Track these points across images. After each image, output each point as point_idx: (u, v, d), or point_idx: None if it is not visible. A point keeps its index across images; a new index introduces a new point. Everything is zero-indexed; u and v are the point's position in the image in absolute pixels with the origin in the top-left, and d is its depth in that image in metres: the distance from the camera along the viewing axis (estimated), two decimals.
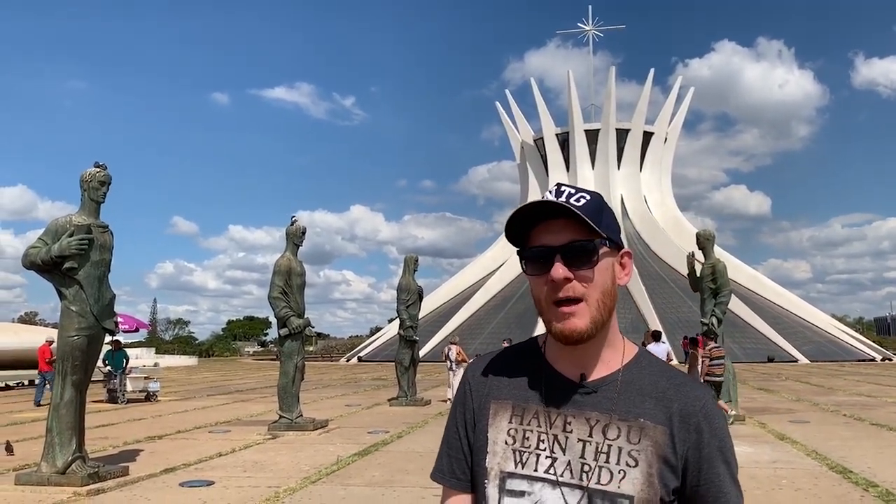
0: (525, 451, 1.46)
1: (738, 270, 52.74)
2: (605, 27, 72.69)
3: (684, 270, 62.19)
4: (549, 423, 1.46)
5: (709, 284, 14.68)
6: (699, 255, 15.20)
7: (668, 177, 70.25)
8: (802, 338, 54.06)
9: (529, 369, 1.53)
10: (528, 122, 71.57)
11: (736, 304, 38.39)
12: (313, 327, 14.28)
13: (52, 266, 8.81)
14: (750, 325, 51.78)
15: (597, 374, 1.48)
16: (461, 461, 1.54)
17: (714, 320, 14.47)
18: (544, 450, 1.44)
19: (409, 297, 18.59)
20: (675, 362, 16.63)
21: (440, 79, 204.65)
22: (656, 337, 18.43)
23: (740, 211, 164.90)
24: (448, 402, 18.96)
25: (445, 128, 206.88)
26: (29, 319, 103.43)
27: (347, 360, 60.99)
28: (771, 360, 47.57)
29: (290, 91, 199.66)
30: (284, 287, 13.42)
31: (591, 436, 1.43)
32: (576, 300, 1.39)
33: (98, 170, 9.29)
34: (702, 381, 13.89)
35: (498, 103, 73.42)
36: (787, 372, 34.12)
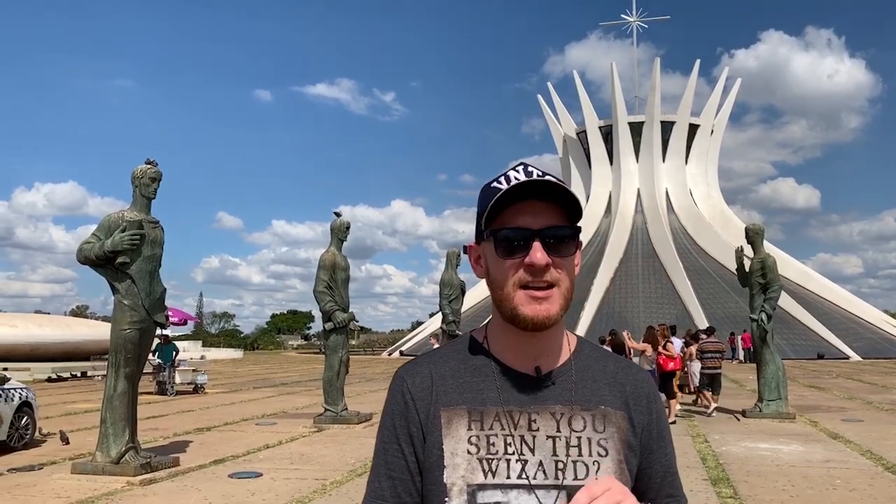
0: (493, 459, 1.33)
1: (786, 265, 51.65)
2: (649, 18, 71.62)
3: (731, 265, 61.11)
4: (513, 423, 1.35)
5: (758, 280, 14.39)
6: (748, 250, 14.90)
7: (714, 169, 68.94)
8: (854, 334, 52.63)
9: (476, 368, 1.41)
10: (570, 114, 71.01)
11: (784, 300, 37.48)
12: (357, 321, 14.40)
13: (105, 261, 9.03)
14: (799, 321, 50.61)
15: (551, 364, 1.40)
16: (406, 482, 1.37)
17: (763, 316, 14.19)
18: (513, 453, 1.33)
19: (452, 291, 18.59)
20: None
21: (480, 73, 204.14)
22: (673, 332, 17.97)
23: (788, 204, 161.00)
24: None
25: (485, 122, 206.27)
26: (80, 313, 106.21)
27: (389, 354, 61.35)
28: (821, 356, 46.46)
29: (331, 87, 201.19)
30: (329, 281, 13.55)
31: (558, 430, 1.35)
32: (549, 285, 1.33)
33: (149, 166, 9.49)
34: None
35: (539, 96, 72.94)
36: (838, 369, 33.30)
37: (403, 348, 61.50)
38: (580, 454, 1.35)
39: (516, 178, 1.35)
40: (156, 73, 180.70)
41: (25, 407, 11.44)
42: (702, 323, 45.22)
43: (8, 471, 9.42)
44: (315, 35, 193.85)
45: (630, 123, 65.50)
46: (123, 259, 8.99)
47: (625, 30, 73.27)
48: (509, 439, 1.35)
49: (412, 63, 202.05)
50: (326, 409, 13.55)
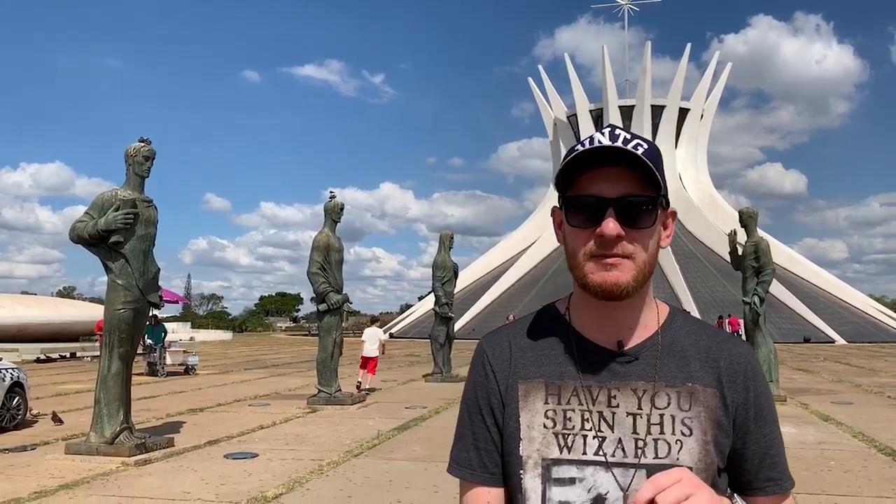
0: (569, 434, 1.30)
1: (774, 250, 51.69)
2: (640, 1, 71.49)
3: (719, 249, 61.80)
4: (592, 398, 1.31)
5: (751, 263, 14.42)
6: (741, 234, 14.91)
7: (703, 154, 69.18)
8: (839, 318, 53.18)
9: (556, 341, 1.37)
10: (561, 98, 70.90)
11: (772, 284, 37.70)
12: (351, 303, 14.35)
13: (98, 240, 8.91)
14: (786, 304, 51.06)
15: (635, 339, 1.34)
16: (492, 453, 1.37)
17: (756, 299, 14.23)
18: (590, 430, 1.30)
19: (445, 273, 18.57)
20: None
21: (469, 56, 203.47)
22: None
23: (775, 189, 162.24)
24: None
25: (475, 105, 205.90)
26: (67, 294, 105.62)
27: None
28: (807, 340, 46.92)
29: (319, 68, 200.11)
30: (323, 263, 13.47)
31: (640, 407, 1.30)
32: (622, 256, 1.25)
33: (143, 144, 9.35)
34: None
35: (531, 79, 72.82)
36: (825, 352, 33.62)
37: (393, 331, 61.57)
38: (662, 432, 1.30)
39: (599, 142, 1.25)
40: (143, 53, 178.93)
41: (17, 387, 11.32)
42: (689, 306, 45.54)
43: (0, 451, 9.33)
44: (304, 16, 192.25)
45: (621, 107, 65.54)
46: (117, 238, 8.87)
47: (616, 13, 73.14)
48: (586, 415, 1.31)
49: (402, 45, 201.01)
50: (320, 391, 13.51)
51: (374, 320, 18.83)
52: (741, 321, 42.44)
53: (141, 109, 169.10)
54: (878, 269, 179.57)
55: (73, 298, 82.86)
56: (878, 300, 71.03)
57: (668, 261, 55.87)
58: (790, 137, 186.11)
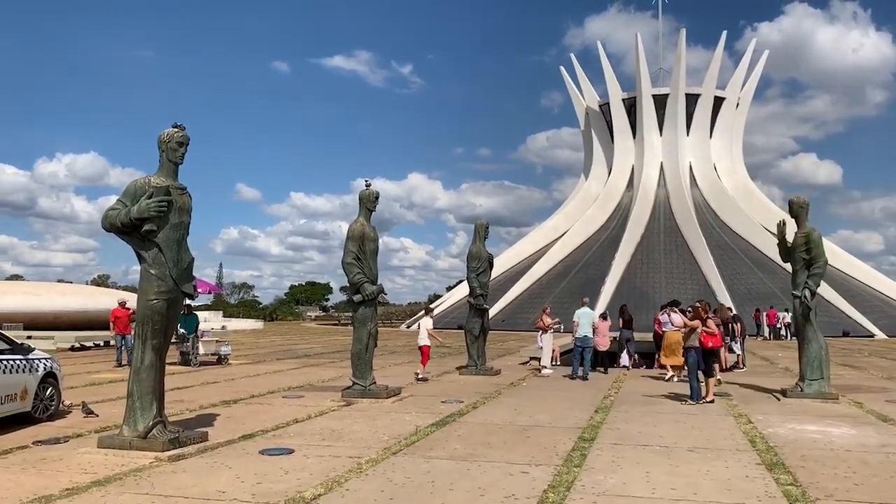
0: None
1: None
2: None
3: (755, 241, 60.28)
4: None
5: (802, 255, 13.79)
6: (791, 224, 14.27)
7: (739, 144, 67.60)
8: (879, 312, 51.74)
9: None
10: (593, 87, 69.80)
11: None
12: (386, 293, 13.99)
13: (131, 228, 8.63)
14: (823, 297, 49.60)
15: None
16: None
17: (807, 293, 13.61)
18: None
19: (480, 264, 18.14)
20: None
21: (497, 46, 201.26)
22: (675, 306, 18.25)
23: (809, 180, 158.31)
24: (546, 371, 18.46)
25: (503, 95, 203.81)
26: (102, 282, 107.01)
27: (408, 327, 61.15)
28: (846, 334, 45.68)
29: (348, 59, 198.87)
30: (358, 252, 13.12)
31: None
32: None
33: (176, 130, 9.05)
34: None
35: (562, 67, 71.63)
36: (868, 347, 32.61)
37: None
38: None
39: None
40: (175, 44, 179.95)
41: (50, 377, 11.14)
42: (724, 299, 44.55)
43: (33, 443, 9.14)
44: (332, 6, 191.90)
45: (654, 96, 64.28)
46: (150, 226, 8.58)
47: (650, 0, 71.67)
48: None
49: (429, 35, 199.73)
50: (355, 383, 13.20)
51: (428, 310, 18.48)
52: (780, 314, 41.61)
53: (172, 101, 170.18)
54: None
55: (108, 287, 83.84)
56: None
57: (702, 253, 54.81)
58: (825, 127, 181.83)
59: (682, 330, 17.02)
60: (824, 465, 8.08)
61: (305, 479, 7.29)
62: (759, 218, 59.87)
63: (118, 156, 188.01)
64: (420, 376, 16.61)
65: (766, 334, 40.76)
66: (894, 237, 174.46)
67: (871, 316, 49.62)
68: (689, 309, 13.83)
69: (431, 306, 18.03)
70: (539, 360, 19.42)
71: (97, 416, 11.15)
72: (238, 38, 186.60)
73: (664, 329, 18.10)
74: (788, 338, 40.12)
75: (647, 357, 22.14)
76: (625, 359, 20.68)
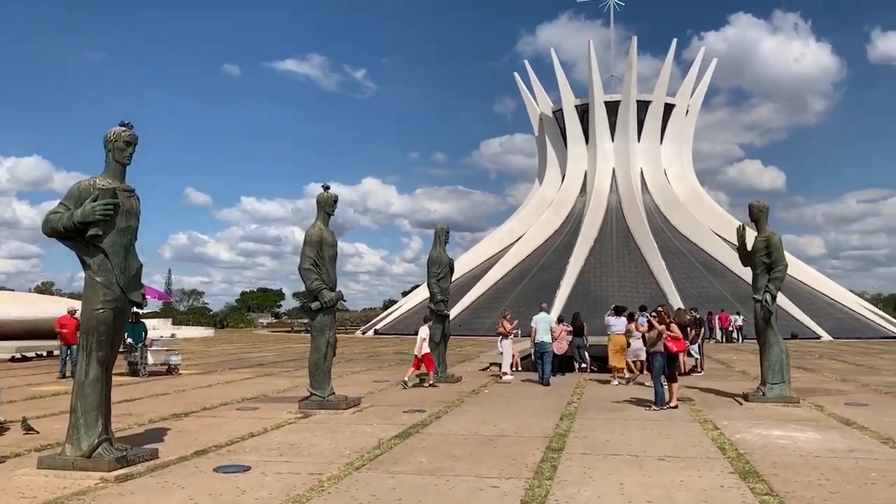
0: None
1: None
2: None
3: (705, 245, 61.30)
4: None
5: (762, 259, 13.79)
6: (750, 229, 14.29)
7: (688, 150, 68.71)
8: (825, 314, 52.97)
9: None
10: (546, 93, 70.14)
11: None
12: (345, 300, 13.55)
13: (74, 233, 8.05)
14: None
15: None
16: None
17: (768, 296, 13.62)
18: None
19: (440, 269, 17.81)
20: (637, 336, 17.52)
21: (451, 52, 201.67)
22: (618, 311, 18.68)
23: (754, 186, 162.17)
24: (507, 378, 18.19)
25: (457, 101, 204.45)
26: (45, 290, 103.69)
27: (363, 333, 60.52)
28: (794, 336, 46.58)
29: (301, 63, 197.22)
30: (316, 258, 12.65)
31: None
32: None
33: (123, 129, 8.50)
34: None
35: (516, 74, 71.95)
36: (817, 349, 33.25)
37: (378, 327, 60.72)
38: None
39: None
40: (124, 46, 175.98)
41: None
42: (676, 302, 45.04)
43: None
44: (284, 9, 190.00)
45: (606, 103, 64.96)
46: (95, 231, 8.02)
47: (601, 8, 72.51)
48: None
49: (383, 40, 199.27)
50: (312, 394, 12.71)
51: (426, 318, 18.38)
52: (731, 317, 42.27)
53: (121, 103, 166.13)
54: (855, 266, 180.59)
55: (52, 294, 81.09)
56: (858, 296, 71.07)
57: (654, 257, 55.47)
58: (769, 135, 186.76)
59: (636, 334, 17.16)
60: (797, 472, 7.93)
61: (264, 499, 6.84)
62: (708, 222, 60.95)
63: (63, 159, 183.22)
64: (430, 383, 16.88)
65: (719, 337, 41.30)
66: (835, 241, 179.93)
67: (817, 318, 50.75)
68: (654, 313, 13.70)
69: (447, 312, 17.93)
70: (499, 366, 19.17)
71: (38, 432, 10.46)
72: (188, 41, 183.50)
73: (609, 332, 18.21)
74: (740, 340, 40.74)
75: (603, 360, 22.10)
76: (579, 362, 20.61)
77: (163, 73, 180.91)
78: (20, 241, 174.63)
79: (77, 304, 27.02)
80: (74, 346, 18.67)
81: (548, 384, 17.29)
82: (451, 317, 19.39)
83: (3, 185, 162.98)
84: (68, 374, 19.05)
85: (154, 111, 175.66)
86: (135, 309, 16.09)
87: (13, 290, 61.96)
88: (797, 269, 59.89)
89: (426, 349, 17.01)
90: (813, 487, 7.27)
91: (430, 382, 16.89)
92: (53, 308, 34.33)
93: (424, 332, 17.22)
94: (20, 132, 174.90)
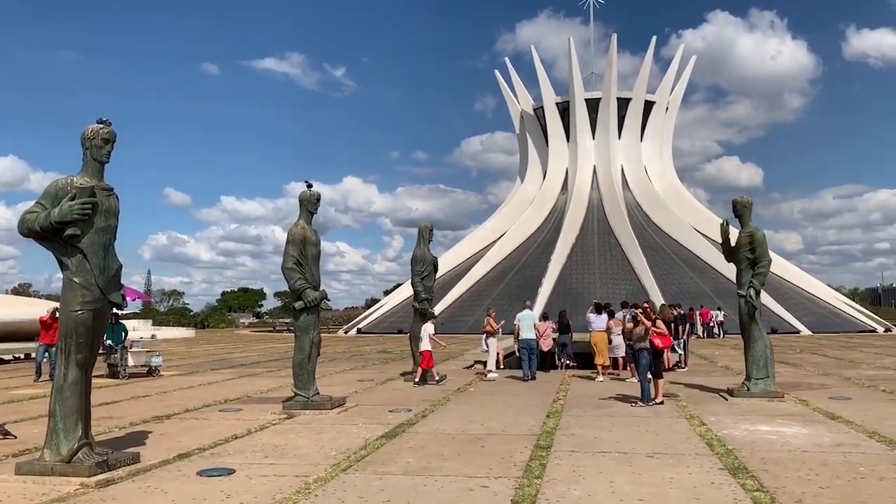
0: None
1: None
2: None
3: (686, 241, 61.57)
4: None
5: (746, 254, 13.80)
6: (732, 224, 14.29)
7: (668, 147, 69.02)
8: (804, 309, 53.45)
9: None
10: (527, 91, 70.23)
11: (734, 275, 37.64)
12: (329, 300, 13.39)
13: (51, 233, 7.84)
14: None
15: None
16: None
17: (752, 292, 13.62)
18: None
19: (424, 268, 17.68)
20: (616, 333, 18.07)
21: (431, 50, 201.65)
22: (598, 308, 18.78)
23: (732, 182, 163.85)
24: (491, 376, 18.16)
25: (437, 99, 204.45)
26: (23, 291, 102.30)
27: (346, 332, 60.22)
28: (774, 331, 46.92)
29: (280, 62, 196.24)
30: (299, 257, 12.48)
31: None
32: None
33: (101, 126, 8.29)
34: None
35: (497, 71, 71.86)
36: (798, 344, 33.52)
37: (361, 326, 60.48)
38: None
39: None
40: (100, 44, 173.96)
41: None
42: (657, 298, 45.22)
43: None
44: (263, 8, 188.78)
45: (587, 100, 65.07)
46: (73, 231, 7.81)
47: (581, 5, 72.67)
48: None
49: (363, 39, 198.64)
50: (297, 394, 12.55)
51: (432, 316, 18.41)
52: (712, 313, 42.42)
53: (97, 103, 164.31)
54: (832, 260, 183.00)
55: (29, 296, 79.95)
56: (836, 291, 71.82)
57: (635, 254, 55.68)
58: (747, 132, 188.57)
59: (616, 331, 17.23)
60: (786, 467, 7.91)
61: (249, 503, 6.69)
62: (688, 219, 61.27)
63: (39, 159, 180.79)
64: (416, 380, 16.91)
65: (700, 332, 41.50)
66: (812, 237, 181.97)
67: (795, 312, 51.20)
68: (640, 309, 13.68)
69: (432, 311, 17.97)
70: (484, 363, 19.10)
71: (15, 437, 10.23)
72: (166, 39, 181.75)
73: (590, 329, 18.26)
74: (721, 336, 40.98)
75: (586, 357, 22.12)
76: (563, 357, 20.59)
77: (140, 72, 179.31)
78: None
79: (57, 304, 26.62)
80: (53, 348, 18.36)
81: (533, 379, 17.52)
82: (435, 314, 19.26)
83: None
84: (46, 376, 18.72)
85: (132, 110, 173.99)
86: (114, 310, 15.89)
87: None
88: (776, 264, 60.28)
89: (427, 346, 17.07)
90: (803, 482, 7.24)
91: (416, 381, 16.85)
92: (31, 310, 33.83)
93: (430, 328, 17.41)
94: None
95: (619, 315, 18.18)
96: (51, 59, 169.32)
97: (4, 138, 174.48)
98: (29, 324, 31.85)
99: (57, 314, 19.79)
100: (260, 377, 19.83)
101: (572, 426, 10.78)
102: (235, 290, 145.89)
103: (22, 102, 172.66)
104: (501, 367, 20.54)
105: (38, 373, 19.15)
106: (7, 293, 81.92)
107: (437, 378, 17.08)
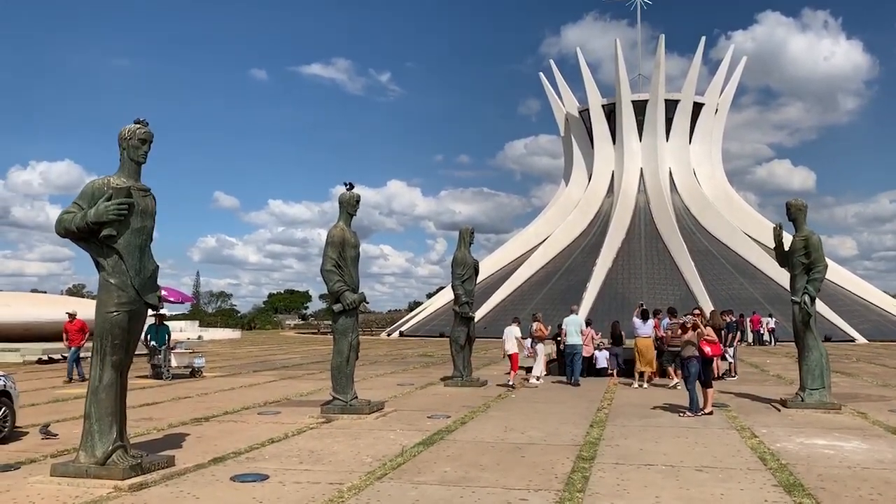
0: None
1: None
2: None
3: (735, 246, 60.31)
4: None
5: (801, 259, 13.23)
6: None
7: (718, 149, 67.54)
8: (859, 316, 51.68)
9: None
10: (572, 93, 69.48)
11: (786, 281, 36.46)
12: (368, 302, 13.23)
13: (88, 233, 7.82)
14: None
15: None
16: None
17: (807, 298, 13.04)
18: None
19: (465, 271, 17.42)
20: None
21: (475, 55, 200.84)
22: (644, 315, 17.93)
23: (783, 186, 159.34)
24: (534, 381, 17.89)
25: (481, 103, 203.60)
26: (76, 292, 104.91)
27: (388, 335, 60.27)
28: (828, 339, 45.47)
29: (326, 67, 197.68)
30: (338, 259, 12.35)
31: None
32: None
33: (138, 126, 8.25)
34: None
35: (542, 74, 71.29)
36: (854, 352, 32.33)
37: (403, 328, 60.48)
38: None
39: None
40: (151, 52, 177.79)
41: (3, 397, 10.25)
42: (706, 304, 44.20)
43: None
44: (310, 14, 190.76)
45: (633, 102, 64.09)
46: (109, 231, 7.77)
47: (628, 6, 71.72)
48: None
49: (407, 44, 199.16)
50: (335, 398, 12.41)
51: (515, 319, 18.76)
52: (763, 320, 41.29)
53: (150, 109, 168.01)
54: (889, 266, 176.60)
55: (83, 296, 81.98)
56: (893, 298, 69.39)
57: (683, 259, 54.53)
58: (798, 134, 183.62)
59: (670, 336, 16.71)
60: (845, 485, 7.44)
61: None
62: (738, 223, 59.83)
63: (94, 163, 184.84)
64: (510, 382, 17.10)
65: (751, 340, 40.40)
66: (867, 242, 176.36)
67: (851, 320, 49.52)
68: (690, 316, 13.21)
69: (520, 316, 18.14)
70: (528, 369, 18.73)
71: (57, 437, 10.28)
72: (216, 46, 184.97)
73: (636, 335, 17.78)
74: (772, 343, 39.84)
75: (631, 364, 21.60)
76: (601, 361, 20.00)
77: (190, 78, 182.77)
78: (52, 244, 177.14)
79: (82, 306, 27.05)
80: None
81: (577, 384, 17.41)
82: (476, 319, 19.05)
83: (36, 188, 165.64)
84: (75, 377, 19.16)
85: (182, 116, 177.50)
86: (160, 311, 15.97)
87: (45, 293, 62.74)
88: (830, 269, 58.51)
89: (514, 349, 17.36)
90: (865, 503, 6.78)
91: (511, 383, 17.09)
92: (82, 310, 34.53)
93: (515, 331, 17.66)
94: (52, 137, 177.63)
95: (664, 323, 17.75)
96: (104, 66, 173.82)
97: (61, 143, 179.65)
98: (52, 325, 32.46)
99: (72, 318, 20.22)
100: (301, 379, 19.81)
101: (617, 436, 10.40)
102: (282, 291, 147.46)
103: (76, 108, 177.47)
104: (545, 372, 20.13)
105: (70, 374, 19.57)
106: (62, 294, 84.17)
107: (511, 386, 17.08)
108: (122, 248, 7.91)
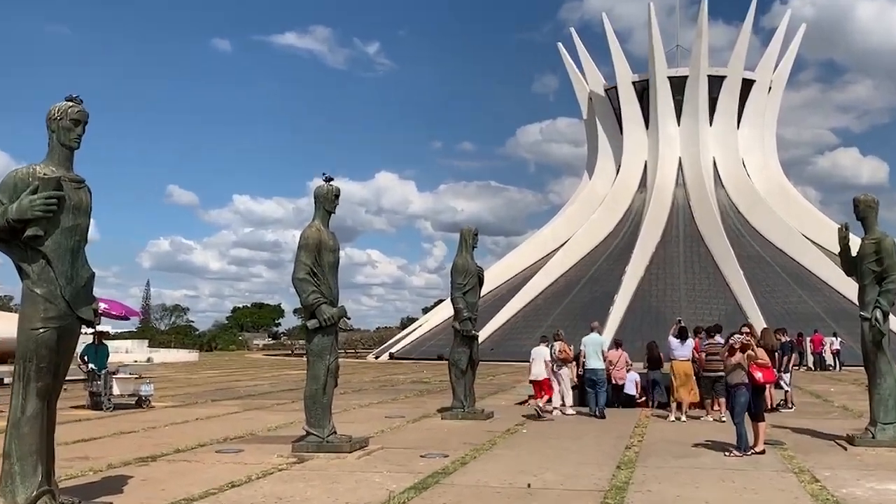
0: None
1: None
2: None
3: (792, 250, 60.67)
4: None
5: (871, 267, 13.21)
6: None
7: (772, 135, 67.92)
8: None
9: None
10: (598, 68, 69.87)
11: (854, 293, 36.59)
12: (350, 318, 13.19)
13: (9, 233, 7.76)
14: None
15: None
16: None
17: (878, 314, 13.02)
18: None
19: (467, 280, 17.40)
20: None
21: (481, 21, 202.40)
22: (682, 335, 18.02)
23: (850, 179, 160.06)
24: (554, 413, 17.97)
25: (488, 80, 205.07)
26: (3, 305, 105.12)
27: (376, 357, 60.45)
28: None
29: (302, 37, 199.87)
30: (313, 266, 12.32)
31: None
32: None
33: (71, 104, 8.22)
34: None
35: (560, 45, 71.72)
36: None
37: (393, 350, 60.61)
38: None
39: None
40: (95, 18, 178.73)
41: None
42: (757, 322, 44.29)
43: None
44: None
45: (670, 78, 64.45)
46: (35, 231, 7.71)
47: None
48: None
49: (400, 9, 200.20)
50: (309, 433, 12.38)
51: (543, 338, 19.11)
52: (826, 340, 41.42)
53: (90, 85, 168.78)
54: None
55: (10, 310, 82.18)
56: None
57: (730, 266, 54.67)
58: (868, 118, 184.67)
59: (705, 358, 16.75)
60: None
61: None
62: (796, 223, 60.02)
63: (25, 151, 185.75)
64: (544, 409, 17.65)
65: (811, 364, 40.45)
66: None
67: None
68: (738, 335, 13.20)
69: (546, 335, 18.44)
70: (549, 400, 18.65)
71: None
72: (170, 12, 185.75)
73: (672, 357, 17.81)
74: (838, 368, 39.88)
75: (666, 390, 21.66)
76: (629, 386, 19.96)
77: (140, 50, 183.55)
78: None
79: None
80: None
81: (602, 417, 17.52)
82: (482, 338, 19.11)
83: None
84: None
85: (130, 95, 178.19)
86: (103, 328, 15.91)
87: None
88: None
89: (543, 374, 17.74)
90: None
91: (545, 409, 17.62)
92: (7, 326, 34.50)
93: (544, 352, 17.95)
94: None
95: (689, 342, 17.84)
96: (37, 33, 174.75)
97: None
98: (10, 343, 32.49)
99: None
100: (269, 411, 19.84)
101: (649, 480, 10.39)
102: (248, 305, 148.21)
103: (2, 84, 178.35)
104: (570, 403, 20.09)
105: None
106: None
107: (547, 410, 17.64)
108: (51, 252, 7.86)
